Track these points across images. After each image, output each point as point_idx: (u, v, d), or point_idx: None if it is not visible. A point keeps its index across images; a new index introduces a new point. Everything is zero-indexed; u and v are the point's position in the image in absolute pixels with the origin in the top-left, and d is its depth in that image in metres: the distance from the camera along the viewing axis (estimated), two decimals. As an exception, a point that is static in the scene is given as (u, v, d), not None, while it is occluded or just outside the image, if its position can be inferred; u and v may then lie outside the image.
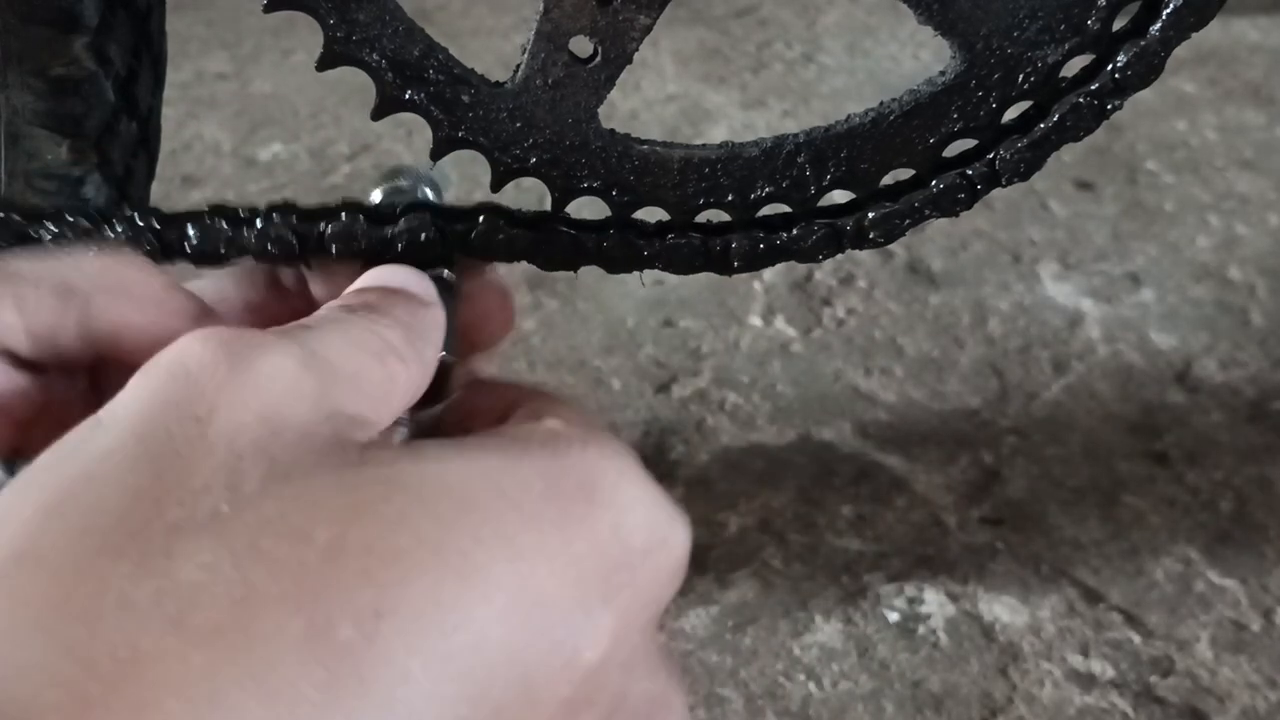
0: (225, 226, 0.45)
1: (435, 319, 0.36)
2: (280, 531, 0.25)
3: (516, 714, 0.25)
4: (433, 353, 0.35)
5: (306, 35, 1.74)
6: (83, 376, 0.36)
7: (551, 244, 0.46)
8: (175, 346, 0.28)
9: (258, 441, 0.26)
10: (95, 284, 0.35)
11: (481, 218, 0.45)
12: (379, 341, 0.32)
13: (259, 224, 0.45)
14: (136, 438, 0.26)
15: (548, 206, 0.47)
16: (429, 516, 0.25)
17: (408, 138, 1.59)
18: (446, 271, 0.42)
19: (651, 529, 0.28)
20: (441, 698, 0.24)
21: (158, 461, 0.26)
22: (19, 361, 0.34)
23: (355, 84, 0.50)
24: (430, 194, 0.45)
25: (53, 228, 0.46)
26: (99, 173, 0.64)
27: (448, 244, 0.44)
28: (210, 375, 0.27)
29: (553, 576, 0.26)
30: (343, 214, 0.43)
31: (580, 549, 0.26)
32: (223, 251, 0.46)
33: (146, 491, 0.25)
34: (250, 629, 0.24)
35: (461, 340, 0.39)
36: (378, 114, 0.45)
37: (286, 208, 0.45)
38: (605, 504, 0.27)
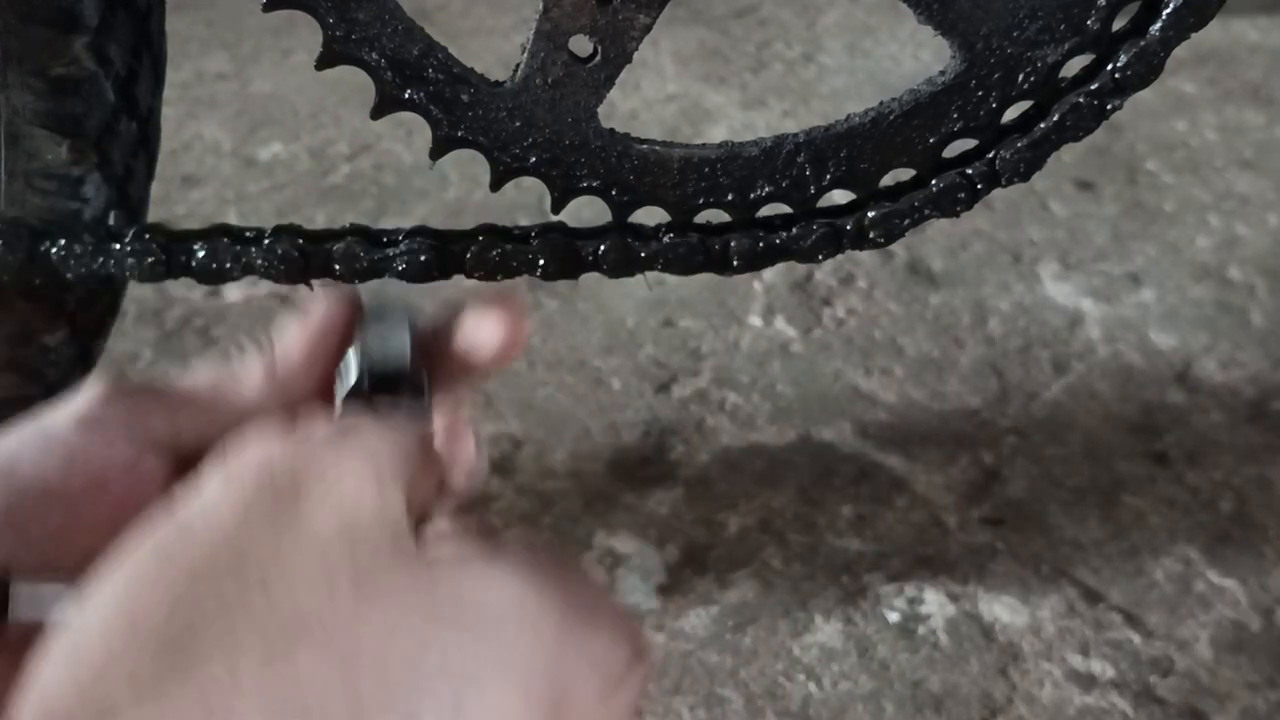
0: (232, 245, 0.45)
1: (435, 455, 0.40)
2: (374, 641, 0.30)
3: None
4: (437, 472, 0.39)
5: (306, 35, 1.73)
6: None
7: (549, 254, 0.46)
8: (258, 454, 0.33)
9: (343, 553, 0.31)
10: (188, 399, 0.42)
11: (480, 237, 0.45)
12: (421, 450, 0.36)
13: (266, 243, 0.45)
14: (235, 539, 0.31)
15: (548, 206, 0.47)
16: (485, 633, 0.31)
17: (408, 138, 1.59)
18: (406, 364, 0.43)
19: (635, 647, 0.34)
20: None
21: (262, 568, 0.30)
22: (177, 463, 0.40)
23: (355, 84, 0.50)
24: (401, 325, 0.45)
25: (62, 243, 0.46)
26: (99, 173, 0.64)
27: (446, 265, 0.44)
28: (295, 488, 0.32)
29: (578, 679, 0.32)
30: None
31: (591, 652, 0.32)
32: (229, 269, 0.46)
33: (255, 590, 0.30)
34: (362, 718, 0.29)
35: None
36: (377, 113, 0.45)
37: (292, 229, 0.46)
38: (604, 626, 0.33)
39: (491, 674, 0.31)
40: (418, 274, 0.45)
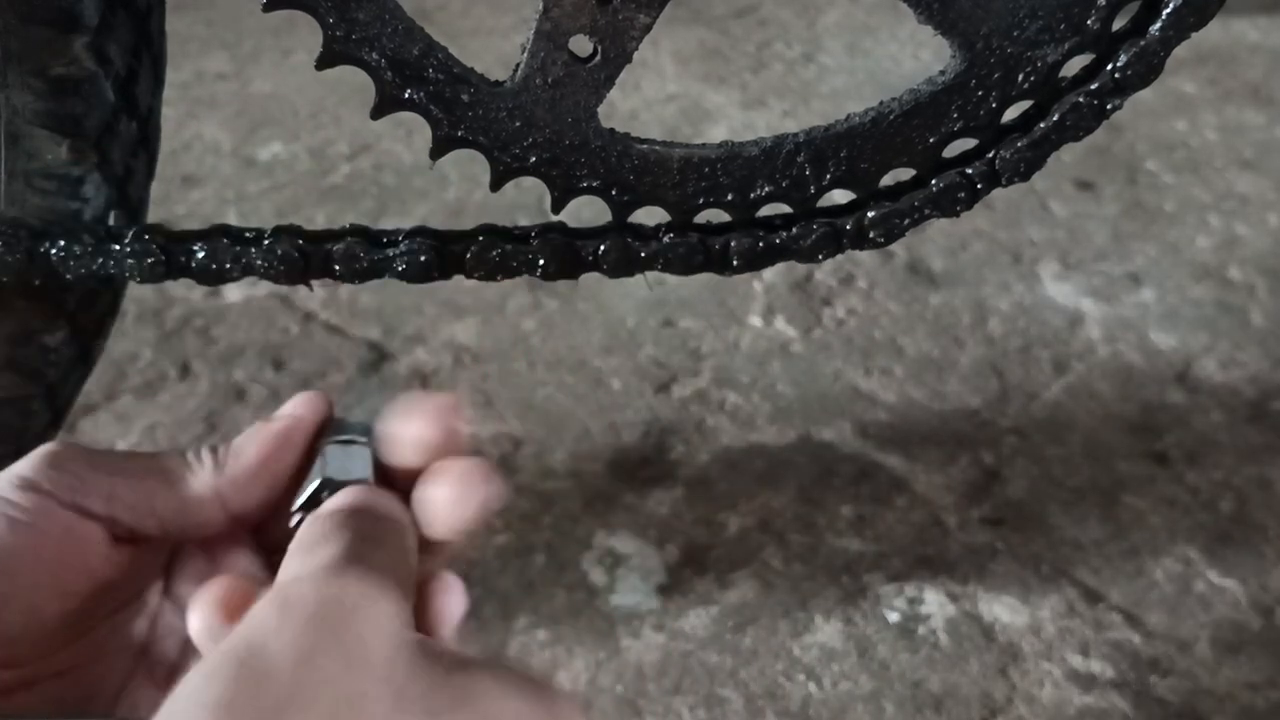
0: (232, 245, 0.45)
1: (409, 533, 0.44)
2: None
3: None
4: (413, 559, 0.43)
5: (306, 35, 1.73)
6: (163, 554, 0.47)
7: (548, 254, 0.46)
8: (314, 591, 0.37)
9: (388, 672, 0.35)
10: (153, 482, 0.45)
11: (481, 238, 0.45)
12: (407, 565, 0.41)
13: (266, 244, 0.45)
14: (305, 674, 0.34)
15: (548, 206, 0.47)
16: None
17: (408, 138, 1.59)
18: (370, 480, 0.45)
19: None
20: None
21: (333, 688, 0.34)
22: (117, 537, 0.44)
23: (355, 84, 0.50)
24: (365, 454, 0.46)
25: (62, 244, 0.46)
26: (99, 172, 0.64)
27: (446, 265, 0.45)
28: (348, 621, 0.36)
29: None
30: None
31: None
32: (229, 269, 0.46)
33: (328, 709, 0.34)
34: None
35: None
36: (377, 113, 0.45)
37: (292, 229, 0.46)
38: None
39: None
40: (418, 274, 0.45)
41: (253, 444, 0.45)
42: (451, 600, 0.45)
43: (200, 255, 0.47)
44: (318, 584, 0.37)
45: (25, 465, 0.43)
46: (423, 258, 0.45)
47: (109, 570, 0.44)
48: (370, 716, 0.34)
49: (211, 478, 0.45)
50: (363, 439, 0.46)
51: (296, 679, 0.34)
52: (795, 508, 1.06)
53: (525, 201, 1.41)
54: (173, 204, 1.48)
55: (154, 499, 0.44)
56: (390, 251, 0.45)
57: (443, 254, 0.46)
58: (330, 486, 0.44)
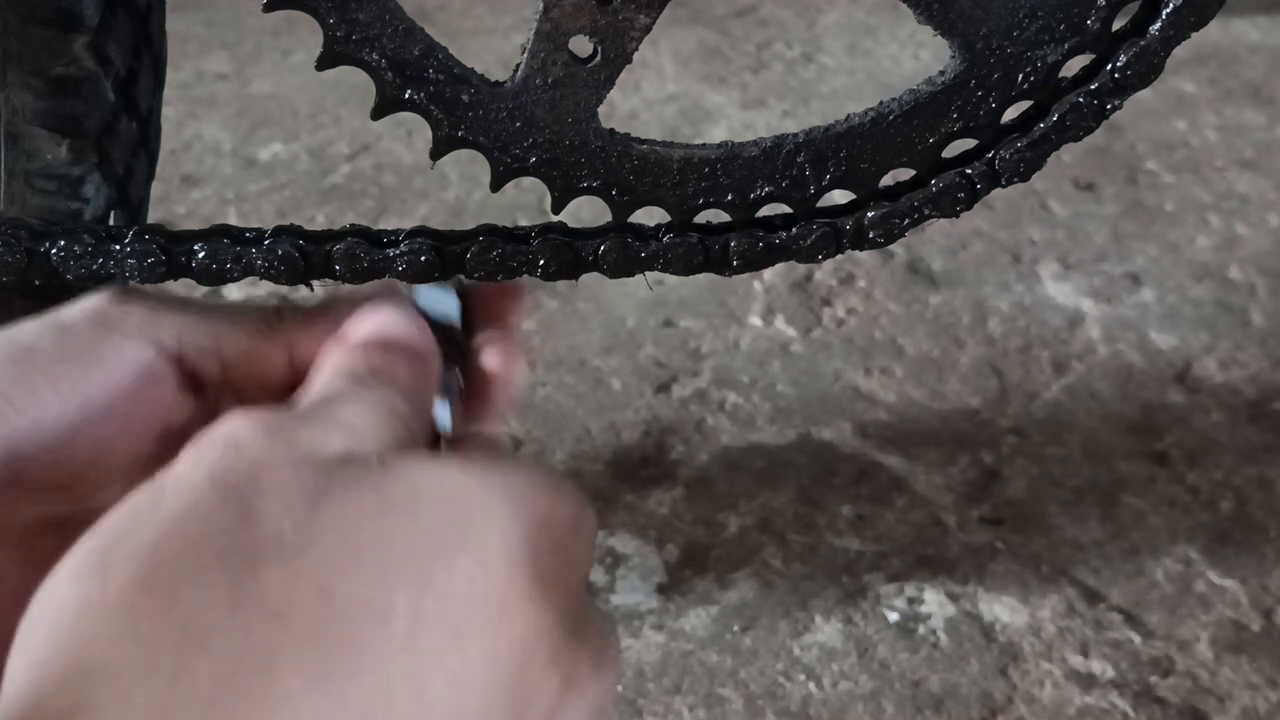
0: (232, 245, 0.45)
1: (433, 371, 0.42)
2: (337, 546, 0.32)
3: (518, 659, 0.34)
4: (430, 403, 0.41)
5: (306, 35, 1.74)
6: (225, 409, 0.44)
7: (548, 254, 0.46)
8: (226, 426, 0.35)
9: (299, 474, 0.34)
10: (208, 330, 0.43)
11: (480, 237, 0.45)
12: (390, 411, 0.38)
13: (266, 244, 0.45)
14: (212, 489, 0.33)
15: (548, 206, 0.47)
16: (443, 517, 0.34)
17: (408, 138, 1.59)
18: (457, 323, 0.45)
19: (575, 512, 0.37)
20: (469, 616, 0.33)
21: (228, 508, 0.32)
22: (182, 383, 0.43)
23: (355, 84, 0.50)
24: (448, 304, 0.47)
25: (62, 244, 0.46)
26: (99, 172, 0.64)
27: (446, 265, 0.45)
28: (256, 444, 0.34)
29: (521, 537, 0.34)
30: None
31: (533, 516, 0.35)
32: (229, 270, 0.46)
33: (225, 530, 0.32)
34: (336, 613, 0.31)
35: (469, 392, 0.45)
36: (378, 113, 0.45)
37: (293, 230, 0.46)
38: (542, 490, 0.36)
39: (451, 552, 0.33)
40: (419, 275, 0.45)
41: (336, 313, 0.44)
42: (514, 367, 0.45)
43: (200, 255, 0.47)
44: (233, 424, 0.35)
45: (98, 301, 0.42)
46: (423, 258, 0.45)
47: (175, 415, 0.42)
48: (266, 529, 0.32)
49: (279, 329, 0.44)
50: (452, 285, 0.47)
51: (199, 498, 0.33)
52: (795, 508, 1.06)
53: (525, 202, 1.41)
54: (173, 204, 1.48)
55: (222, 339, 0.43)
56: (390, 252, 0.45)
57: (443, 254, 0.45)
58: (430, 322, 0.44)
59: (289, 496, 0.33)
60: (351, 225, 0.46)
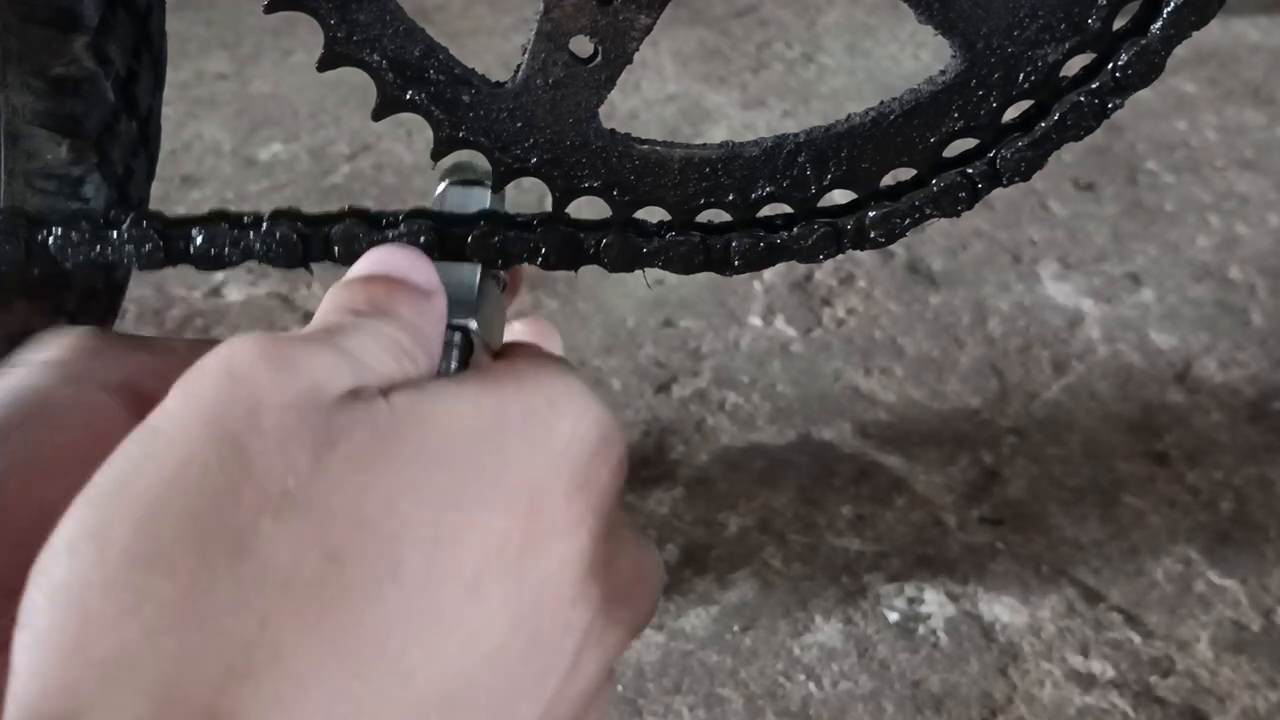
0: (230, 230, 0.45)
1: (439, 310, 0.39)
2: (345, 502, 0.30)
3: (535, 590, 0.32)
4: (437, 343, 0.38)
5: (306, 35, 1.74)
6: None
7: (551, 244, 0.46)
8: (218, 353, 0.32)
9: (303, 418, 0.31)
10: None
11: (481, 221, 0.45)
12: (393, 344, 0.36)
13: (264, 227, 0.45)
14: (203, 439, 0.30)
15: (548, 206, 0.47)
16: (451, 462, 0.32)
17: (408, 138, 1.59)
18: (502, 273, 0.45)
19: (602, 428, 0.35)
20: (487, 564, 0.31)
21: (227, 460, 0.30)
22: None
23: (355, 84, 0.50)
24: (491, 193, 0.47)
25: (59, 231, 0.46)
26: (99, 172, 0.64)
27: (446, 247, 0.44)
28: (254, 375, 0.31)
29: (543, 469, 0.33)
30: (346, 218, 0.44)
31: (557, 445, 0.34)
32: (228, 254, 0.46)
33: (225, 487, 0.29)
34: (345, 579, 0.29)
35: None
36: (378, 114, 0.45)
37: (291, 213, 0.46)
38: (565, 413, 0.34)
39: (466, 497, 0.31)
40: None
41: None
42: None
43: (198, 240, 0.47)
44: (226, 349, 0.33)
45: (48, 347, 0.39)
46: (423, 239, 0.45)
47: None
48: (268, 483, 0.30)
49: None
50: (485, 181, 0.46)
51: (191, 444, 0.30)
52: (795, 508, 1.06)
53: (526, 201, 1.41)
54: (173, 204, 1.48)
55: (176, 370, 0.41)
56: (390, 234, 0.45)
57: (444, 236, 0.45)
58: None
59: (291, 445, 0.30)
60: (350, 207, 0.45)
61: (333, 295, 0.38)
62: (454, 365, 0.40)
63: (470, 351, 0.40)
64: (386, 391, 0.33)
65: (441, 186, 0.47)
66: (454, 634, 0.30)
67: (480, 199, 0.46)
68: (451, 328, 0.40)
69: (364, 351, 0.34)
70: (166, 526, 0.29)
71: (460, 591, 0.30)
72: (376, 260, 0.40)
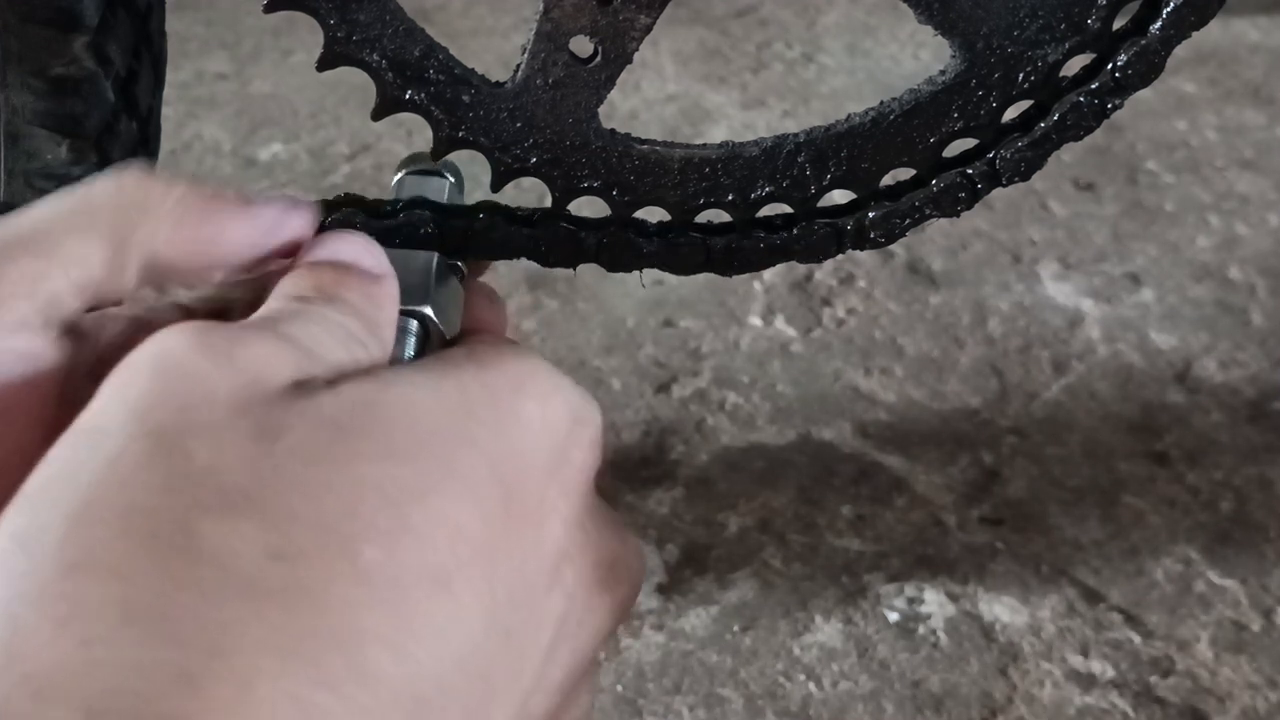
0: None
1: (390, 294, 0.37)
2: (286, 492, 0.28)
3: (514, 565, 0.31)
4: (389, 329, 0.37)
5: (306, 35, 1.74)
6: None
7: (550, 241, 0.46)
8: (152, 344, 0.30)
9: (243, 412, 0.29)
10: (129, 220, 0.36)
11: (480, 214, 0.45)
12: (341, 331, 0.34)
13: None
14: (142, 436, 0.28)
15: (548, 206, 0.47)
16: (415, 454, 0.30)
17: (408, 138, 1.59)
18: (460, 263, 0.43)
19: (571, 408, 0.34)
20: (456, 558, 0.29)
21: (169, 455, 0.28)
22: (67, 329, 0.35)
23: (355, 84, 0.50)
24: (450, 183, 0.46)
25: None
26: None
27: (446, 239, 0.44)
28: (190, 367, 0.30)
29: (520, 461, 0.32)
30: (342, 207, 0.43)
31: (524, 429, 0.32)
32: None
33: (161, 487, 0.28)
34: (300, 580, 0.27)
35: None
36: (378, 114, 0.45)
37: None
38: (531, 394, 0.33)
39: (429, 489, 0.30)
40: (419, 249, 0.45)
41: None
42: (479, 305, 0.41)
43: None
44: (161, 340, 0.31)
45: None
46: (422, 230, 0.45)
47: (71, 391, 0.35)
48: (225, 478, 0.28)
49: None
50: (446, 175, 0.45)
51: (129, 440, 0.28)
52: (795, 508, 1.06)
53: (526, 201, 1.40)
54: (173, 204, 1.48)
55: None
56: (388, 223, 0.44)
57: (443, 229, 0.45)
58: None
59: (231, 441, 0.29)
60: (346, 194, 0.45)
61: (278, 284, 0.36)
62: (409, 353, 0.38)
63: (427, 338, 0.39)
64: (336, 380, 0.31)
65: (399, 176, 0.47)
66: (423, 634, 0.28)
67: (438, 189, 0.45)
68: (406, 314, 0.38)
69: (309, 339, 0.32)
70: (101, 531, 0.27)
71: (428, 589, 0.28)
72: (322, 246, 0.38)
